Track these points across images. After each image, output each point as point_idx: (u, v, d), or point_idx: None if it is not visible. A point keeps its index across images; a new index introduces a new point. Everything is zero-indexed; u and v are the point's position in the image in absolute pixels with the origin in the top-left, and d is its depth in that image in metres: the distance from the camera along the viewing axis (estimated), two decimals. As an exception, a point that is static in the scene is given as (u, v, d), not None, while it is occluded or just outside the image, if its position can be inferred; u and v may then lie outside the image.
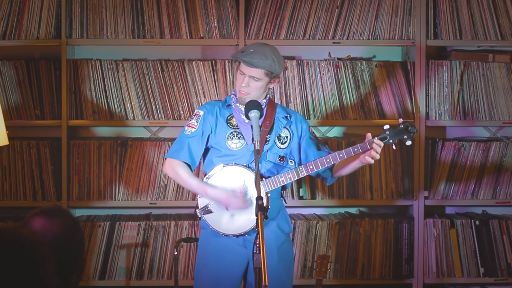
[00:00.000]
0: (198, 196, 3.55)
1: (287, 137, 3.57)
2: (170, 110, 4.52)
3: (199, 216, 3.51)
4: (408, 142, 3.47)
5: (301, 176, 3.45)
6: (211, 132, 3.54)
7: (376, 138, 3.42)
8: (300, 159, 3.60)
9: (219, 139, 3.52)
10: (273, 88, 3.88)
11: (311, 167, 3.43)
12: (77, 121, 4.52)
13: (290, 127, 3.59)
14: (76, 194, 4.51)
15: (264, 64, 3.43)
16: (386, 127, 3.46)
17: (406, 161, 4.59)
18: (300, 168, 3.44)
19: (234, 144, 3.50)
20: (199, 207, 3.52)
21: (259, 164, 3.35)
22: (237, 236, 3.47)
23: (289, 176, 3.45)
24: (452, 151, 4.59)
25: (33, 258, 1.75)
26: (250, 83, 3.46)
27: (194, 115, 3.58)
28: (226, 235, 3.47)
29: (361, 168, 4.50)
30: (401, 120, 3.48)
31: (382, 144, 3.41)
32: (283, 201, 3.60)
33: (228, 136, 3.51)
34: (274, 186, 3.44)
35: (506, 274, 4.60)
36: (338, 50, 4.69)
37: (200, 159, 3.61)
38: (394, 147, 3.48)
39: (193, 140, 3.53)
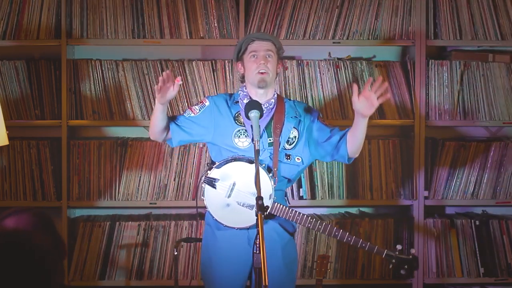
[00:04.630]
0: (207, 171, 3.47)
1: (295, 137, 3.52)
2: (170, 110, 4.51)
3: (203, 182, 3.42)
4: (402, 271, 3.46)
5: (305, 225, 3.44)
6: (213, 130, 3.50)
7: (386, 251, 3.43)
8: (311, 154, 3.53)
9: (226, 136, 3.48)
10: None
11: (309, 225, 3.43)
12: (77, 121, 4.52)
13: (298, 126, 3.55)
14: (76, 194, 4.51)
15: (272, 37, 3.59)
16: (399, 247, 3.46)
17: (406, 161, 4.59)
18: (309, 220, 3.42)
19: (241, 142, 3.46)
20: (209, 175, 3.43)
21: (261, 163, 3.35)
22: (238, 229, 3.41)
23: (298, 217, 3.41)
24: (452, 151, 4.59)
25: (33, 258, 1.75)
26: (267, 59, 3.48)
27: (200, 102, 3.57)
28: (229, 227, 3.41)
29: (361, 168, 4.54)
30: (413, 250, 3.48)
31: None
32: (286, 201, 3.59)
33: (235, 134, 3.48)
34: (280, 214, 3.41)
35: (506, 274, 4.60)
36: (338, 50, 4.68)
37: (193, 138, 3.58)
38: (390, 266, 3.47)
39: (185, 120, 3.51)
